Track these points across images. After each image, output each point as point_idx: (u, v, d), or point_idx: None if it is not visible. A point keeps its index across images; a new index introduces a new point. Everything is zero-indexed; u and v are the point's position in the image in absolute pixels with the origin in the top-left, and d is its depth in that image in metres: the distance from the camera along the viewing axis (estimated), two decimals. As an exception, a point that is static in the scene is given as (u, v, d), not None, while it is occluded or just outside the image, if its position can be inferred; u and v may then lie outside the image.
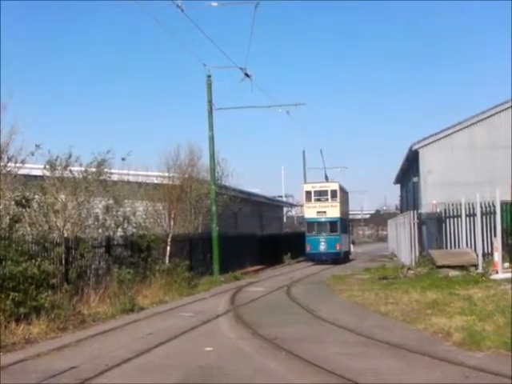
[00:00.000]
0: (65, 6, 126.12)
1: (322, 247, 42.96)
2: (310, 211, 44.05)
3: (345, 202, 49.37)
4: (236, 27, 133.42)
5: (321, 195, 44.21)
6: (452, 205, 29.08)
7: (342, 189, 46.61)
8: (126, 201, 22.59)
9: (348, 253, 50.09)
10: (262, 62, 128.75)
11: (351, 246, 57.30)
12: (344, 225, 47.41)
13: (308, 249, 43.62)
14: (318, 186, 44.90)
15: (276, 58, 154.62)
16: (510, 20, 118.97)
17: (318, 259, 42.63)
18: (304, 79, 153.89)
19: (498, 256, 21.70)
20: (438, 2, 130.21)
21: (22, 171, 18.75)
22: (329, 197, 43.80)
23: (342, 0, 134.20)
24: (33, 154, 18.20)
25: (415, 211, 32.05)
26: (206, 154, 32.10)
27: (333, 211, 43.60)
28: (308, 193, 44.42)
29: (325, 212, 43.56)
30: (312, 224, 43.85)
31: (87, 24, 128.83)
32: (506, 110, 35.77)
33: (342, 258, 44.04)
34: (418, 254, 29.82)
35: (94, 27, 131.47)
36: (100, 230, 20.32)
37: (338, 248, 43.29)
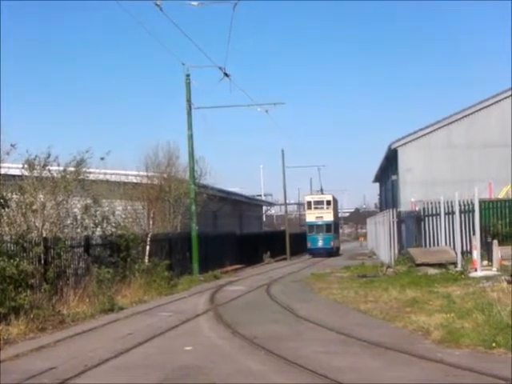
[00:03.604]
0: (42, 5, 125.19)
1: (320, 244, 54.41)
2: (311, 216, 55.76)
3: (336, 209, 61.63)
4: (215, 26, 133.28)
5: (318, 204, 55.72)
6: (431, 203, 29.22)
7: (334, 199, 58.44)
8: (105, 200, 22.46)
9: (338, 248, 60.92)
10: (241, 61, 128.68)
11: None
12: (336, 226, 59.08)
13: (309, 245, 55.19)
14: (317, 197, 57.07)
15: (255, 57, 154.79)
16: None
17: (316, 253, 53.52)
18: (283, 78, 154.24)
19: (476, 254, 21.78)
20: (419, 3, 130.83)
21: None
22: (324, 205, 55.42)
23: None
24: (8, 154, 18.08)
25: (394, 209, 32.14)
26: (184, 154, 32.07)
27: (328, 216, 55.15)
28: (309, 202, 56.46)
29: (322, 217, 54.95)
30: (312, 226, 55.23)
31: (64, 23, 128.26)
32: (484, 108, 36.07)
33: (334, 252, 55.25)
34: (397, 252, 29.84)
35: (71, 25, 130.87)
36: (79, 230, 20.20)
37: (331, 244, 54.97)
